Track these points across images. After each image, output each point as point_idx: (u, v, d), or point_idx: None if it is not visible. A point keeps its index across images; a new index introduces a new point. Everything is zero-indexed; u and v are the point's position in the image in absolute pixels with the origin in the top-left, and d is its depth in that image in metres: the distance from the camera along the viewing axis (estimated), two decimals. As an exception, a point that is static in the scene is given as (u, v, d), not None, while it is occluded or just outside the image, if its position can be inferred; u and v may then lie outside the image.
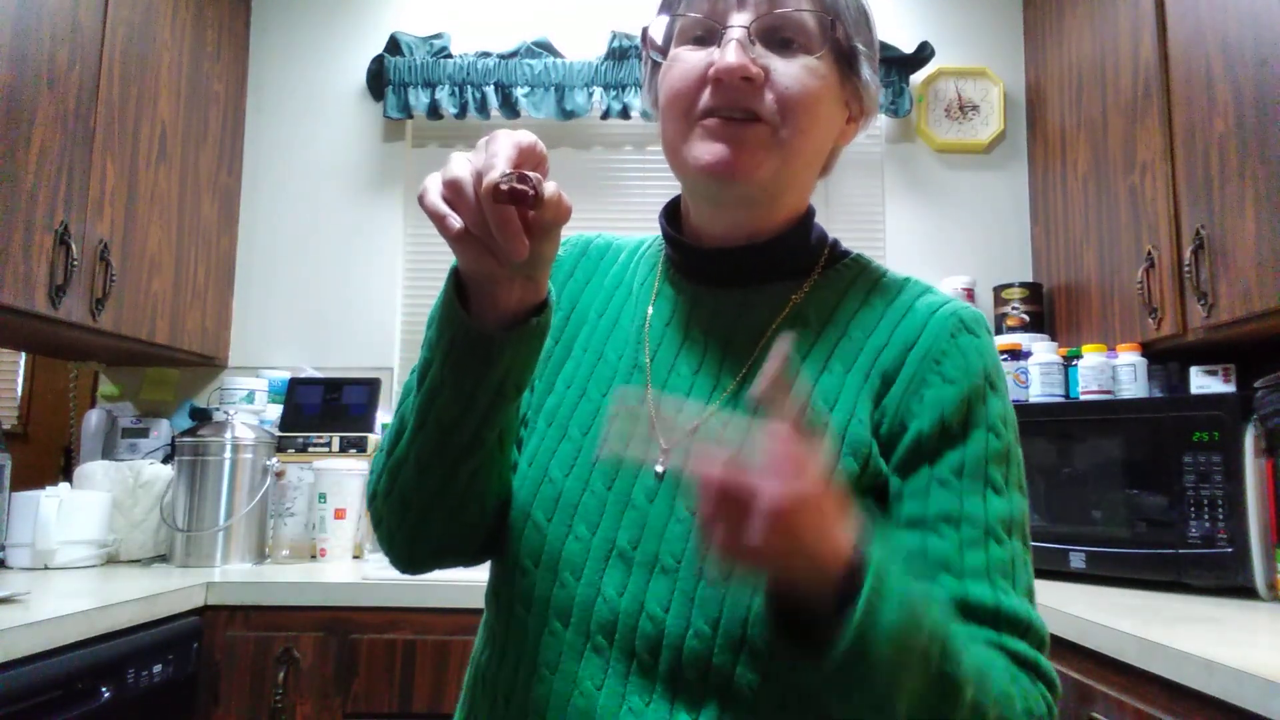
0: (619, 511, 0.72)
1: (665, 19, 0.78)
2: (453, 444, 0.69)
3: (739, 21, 0.72)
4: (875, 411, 0.72)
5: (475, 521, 0.75)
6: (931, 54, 2.57)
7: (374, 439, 2.27)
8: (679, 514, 0.71)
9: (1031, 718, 0.64)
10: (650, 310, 0.81)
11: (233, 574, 1.89)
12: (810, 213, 0.81)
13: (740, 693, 0.66)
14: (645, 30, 0.79)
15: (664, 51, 0.77)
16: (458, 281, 0.66)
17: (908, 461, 0.71)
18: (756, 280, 0.79)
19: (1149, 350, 1.99)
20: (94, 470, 2.08)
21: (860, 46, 0.76)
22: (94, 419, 2.36)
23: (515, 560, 0.74)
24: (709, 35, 0.74)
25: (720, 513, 0.53)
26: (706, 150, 0.72)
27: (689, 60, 0.74)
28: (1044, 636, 0.69)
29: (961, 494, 0.69)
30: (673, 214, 0.85)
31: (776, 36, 0.73)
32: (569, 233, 0.75)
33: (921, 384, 0.72)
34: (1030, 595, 0.70)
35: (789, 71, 0.72)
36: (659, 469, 0.73)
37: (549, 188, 0.59)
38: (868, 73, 0.78)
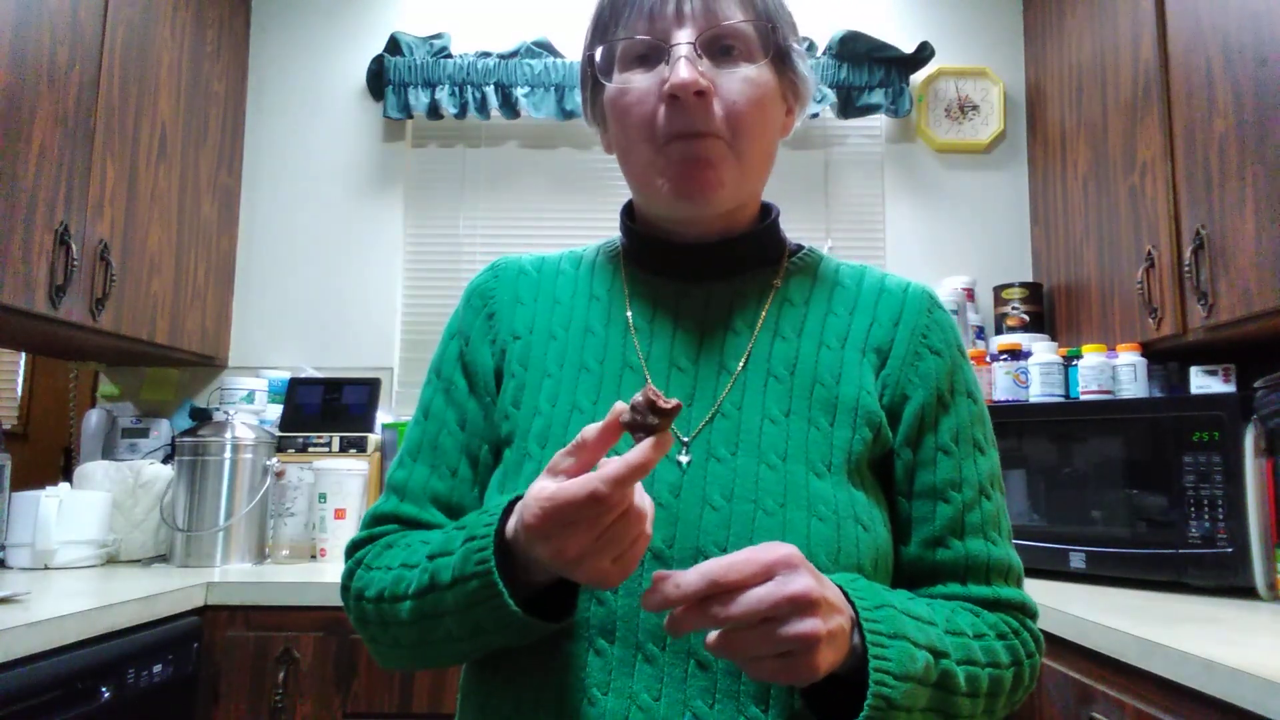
0: None
1: (602, 47, 0.79)
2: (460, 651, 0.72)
3: (683, 38, 0.74)
4: (877, 384, 0.78)
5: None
6: (931, 54, 2.57)
7: (374, 439, 2.27)
8: (713, 502, 0.70)
9: (1019, 664, 0.72)
10: (629, 312, 0.82)
11: (232, 574, 1.88)
12: (776, 210, 0.87)
13: None
14: (591, 58, 0.80)
15: (609, 75, 0.79)
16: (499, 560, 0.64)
17: (916, 432, 0.77)
18: (738, 271, 0.83)
19: (1149, 350, 1.98)
20: (94, 470, 2.08)
21: (793, 45, 0.80)
22: (94, 419, 2.36)
23: None
24: (654, 54, 0.76)
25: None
26: (674, 184, 0.75)
27: (641, 84, 0.76)
28: (1021, 572, 0.78)
29: (959, 460, 0.77)
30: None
31: (718, 46, 0.76)
32: (544, 245, 0.74)
33: (916, 358, 0.79)
34: (1010, 538, 0.79)
35: (732, 85, 0.75)
36: (682, 460, 0.73)
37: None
38: (802, 67, 0.81)
